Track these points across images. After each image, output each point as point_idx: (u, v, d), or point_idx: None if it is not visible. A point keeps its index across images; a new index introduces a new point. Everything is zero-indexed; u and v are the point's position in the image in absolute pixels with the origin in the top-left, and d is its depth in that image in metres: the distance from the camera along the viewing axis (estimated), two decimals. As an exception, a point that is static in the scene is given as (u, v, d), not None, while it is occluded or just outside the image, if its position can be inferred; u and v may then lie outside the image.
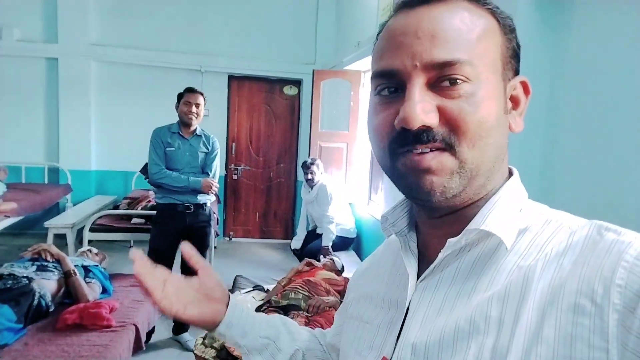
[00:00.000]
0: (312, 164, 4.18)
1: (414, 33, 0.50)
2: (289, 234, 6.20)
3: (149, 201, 4.39)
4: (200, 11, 5.67)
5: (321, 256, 4.01)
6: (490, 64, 0.51)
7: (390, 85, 0.52)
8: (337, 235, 4.13)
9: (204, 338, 2.33)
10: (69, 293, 2.59)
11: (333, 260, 3.24)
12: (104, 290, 2.78)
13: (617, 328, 0.40)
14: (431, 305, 0.53)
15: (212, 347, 2.21)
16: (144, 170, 3.81)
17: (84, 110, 5.55)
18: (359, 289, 0.70)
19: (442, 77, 0.49)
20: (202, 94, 3.07)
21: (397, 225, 0.62)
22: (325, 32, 5.85)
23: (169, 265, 3.15)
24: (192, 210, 3.08)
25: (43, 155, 5.64)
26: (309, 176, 4.17)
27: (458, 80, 0.49)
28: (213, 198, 3.23)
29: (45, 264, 2.60)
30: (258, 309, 2.61)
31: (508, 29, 0.54)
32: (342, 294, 2.68)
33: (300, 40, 5.88)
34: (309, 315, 2.35)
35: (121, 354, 2.24)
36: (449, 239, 0.52)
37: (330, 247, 4.04)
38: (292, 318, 2.31)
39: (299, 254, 4.41)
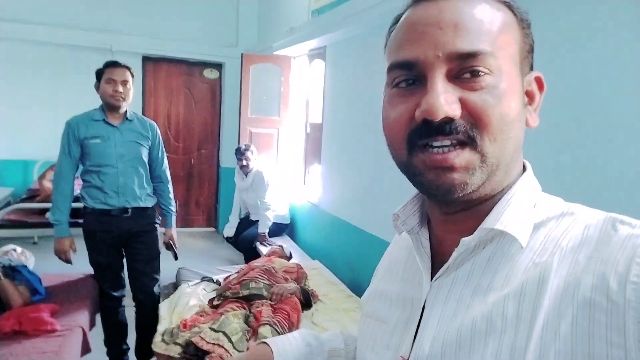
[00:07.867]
0: (246, 150, 4.11)
1: (436, 23, 0.49)
2: (212, 221, 6.07)
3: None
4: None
5: (257, 243, 4.01)
6: (510, 57, 0.51)
7: (409, 76, 0.51)
8: (272, 222, 4.13)
9: (163, 335, 2.23)
10: (-4, 298, 2.32)
11: (282, 247, 3.26)
12: (35, 292, 2.52)
13: (634, 325, 0.40)
14: (447, 304, 0.53)
15: (176, 344, 2.13)
16: None
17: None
18: (374, 285, 0.70)
19: (464, 69, 0.48)
20: (128, 69, 2.50)
21: (408, 223, 0.61)
22: (248, 15, 5.72)
23: (118, 281, 2.66)
24: (130, 214, 2.53)
25: None
26: (244, 162, 4.10)
27: (480, 72, 0.48)
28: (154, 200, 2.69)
29: (-34, 267, 2.30)
30: (211, 301, 2.55)
31: (525, 24, 0.54)
32: (296, 280, 2.71)
33: (221, 23, 5.68)
34: (273, 303, 2.36)
35: (72, 359, 2.08)
36: (463, 239, 0.51)
37: (266, 234, 4.04)
38: (257, 307, 2.32)
39: (234, 242, 4.35)
